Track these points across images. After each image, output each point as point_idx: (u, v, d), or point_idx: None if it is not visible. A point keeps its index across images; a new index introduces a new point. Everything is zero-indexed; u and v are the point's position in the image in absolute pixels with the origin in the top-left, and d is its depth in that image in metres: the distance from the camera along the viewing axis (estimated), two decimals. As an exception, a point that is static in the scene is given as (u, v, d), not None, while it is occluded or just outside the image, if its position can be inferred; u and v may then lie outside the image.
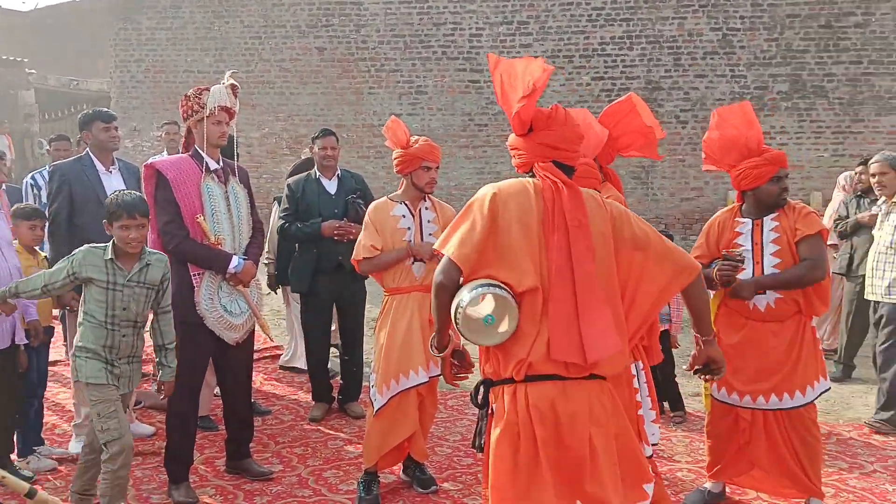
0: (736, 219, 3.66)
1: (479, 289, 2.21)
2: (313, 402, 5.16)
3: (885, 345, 4.92)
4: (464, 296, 2.22)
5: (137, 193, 3.41)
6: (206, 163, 3.72)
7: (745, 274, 3.54)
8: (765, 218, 3.56)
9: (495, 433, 2.24)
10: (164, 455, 3.90)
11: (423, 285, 3.78)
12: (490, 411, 2.31)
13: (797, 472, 3.54)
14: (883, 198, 5.09)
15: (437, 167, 3.86)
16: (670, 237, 5.34)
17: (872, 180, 5.15)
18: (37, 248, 4.46)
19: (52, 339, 4.56)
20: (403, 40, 12.30)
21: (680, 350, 5.58)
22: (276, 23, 12.57)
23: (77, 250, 3.34)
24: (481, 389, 2.34)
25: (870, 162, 5.32)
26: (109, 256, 3.29)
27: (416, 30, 12.26)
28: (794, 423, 3.53)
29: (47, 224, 4.41)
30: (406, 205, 3.89)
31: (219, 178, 3.77)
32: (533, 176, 2.42)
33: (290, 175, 5.31)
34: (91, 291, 3.30)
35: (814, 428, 3.57)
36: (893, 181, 4.94)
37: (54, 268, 3.39)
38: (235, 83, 3.78)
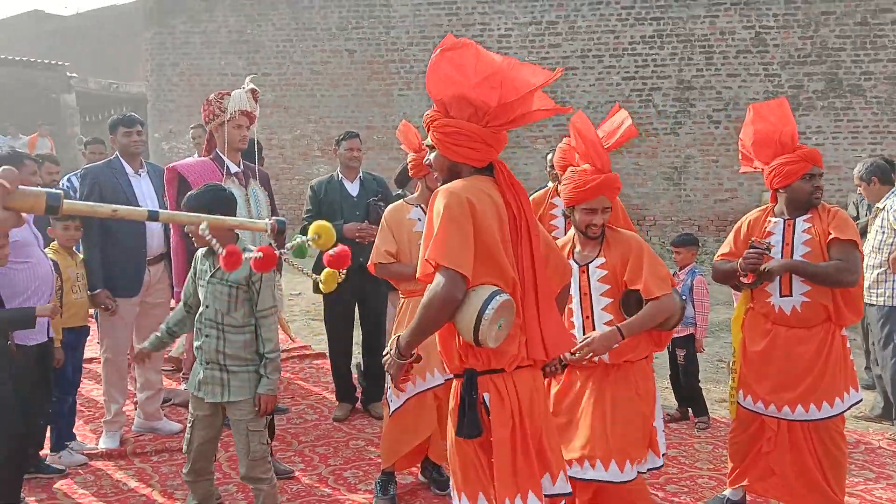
0: (768, 218, 3.60)
1: (498, 297, 2.25)
2: (337, 402, 5.23)
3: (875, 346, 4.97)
4: (482, 306, 2.23)
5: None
6: (227, 166, 3.80)
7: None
8: (797, 218, 3.49)
9: (500, 418, 2.32)
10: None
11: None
12: (481, 399, 2.35)
13: (820, 483, 3.46)
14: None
15: None
16: (697, 242, 5.32)
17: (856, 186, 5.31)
18: (73, 248, 4.57)
19: (88, 338, 4.69)
20: (433, 41, 12.33)
21: (704, 355, 5.53)
22: (306, 26, 12.71)
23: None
24: (465, 379, 2.37)
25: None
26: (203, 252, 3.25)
27: (444, 31, 12.25)
28: (821, 434, 3.45)
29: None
30: (422, 208, 3.91)
31: (239, 180, 3.85)
32: (484, 173, 2.39)
33: (398, 177, 5.31)
34: None
35: (840, 440, 3.49)
36: (867, 189, 5.08)
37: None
38: (256, 88, 3.84)
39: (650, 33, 11.68)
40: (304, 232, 5.06)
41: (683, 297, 5.06)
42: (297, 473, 4.17)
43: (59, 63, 19.01)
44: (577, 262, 3.12)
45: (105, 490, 3.96)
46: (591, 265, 3.10)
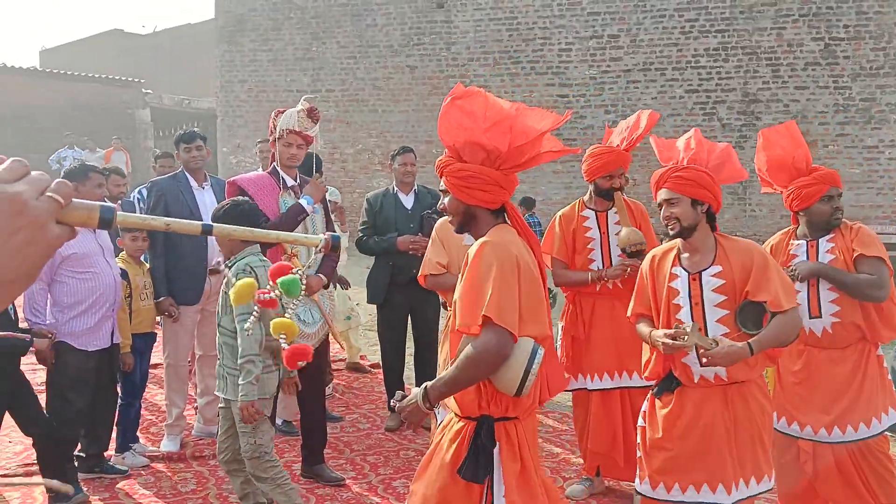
0: (791, 241, 3.56)
1: (539, 351, 2.30)
2: (389, 413, 5.30)
3: None
4: (528, 362, 2.27)
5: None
6: (284, 179, 3.93)
7: (800, 297, 3.39)
8: (820, 239, 3.46)
9: (514, 466, 2.35)
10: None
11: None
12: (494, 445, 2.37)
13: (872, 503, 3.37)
14: None
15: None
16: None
17: None
18: (141, 258, 4.77)
19: (155, 344, 4.89)
20: (493, 56, 12.42)
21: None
22: (369, 43, 12.96)
23: None
24: (484, 427, 2.36)
25: None
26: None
27: (505, 46, 12.36)
28: (865, 455, 3.36)
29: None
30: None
31: (296, 193, 3.97)
32: (498, 214, 2.43)
33: None
34: None
35: (886, 460, 3.39)
36: None
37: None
38: (314, 107, 3.95)
39: (714, 46, 11.50)
40: (358, 244, 5.20)
41: None
42: (347, 481, 4.24)
43: (136, 80, 19.87)
44: (686, 270, 2.95)
45: (164, 491, 4.11)
46: (704, 273, 2.90)
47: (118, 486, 4.16)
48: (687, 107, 11.65)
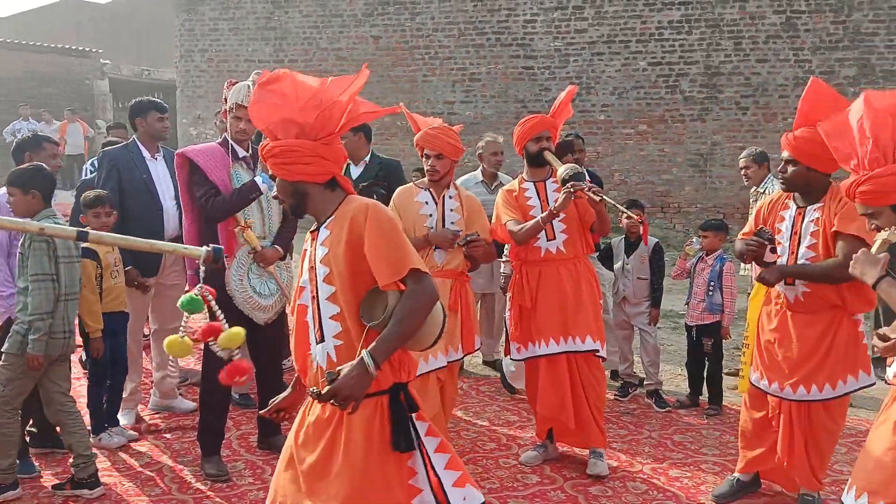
0: (786, 201, 3.57)
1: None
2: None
3: None
4: (442, 307, 2.34)
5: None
6: (235, 150, 3.87)
7: (780, 262, 3.49)
8: (808, 207, 3.44)
9: (427, 424, 2.34)
10: (197, 429, 4.09)
11: (444, 271, 3.85)
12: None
13: (806, 466, 3.48)
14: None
15: (441, 155, 3.84)
16: (726, 227, 5.33)
17: (741, 172, 5.59)
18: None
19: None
20: (458, 27, 12.32)
21: (727, 342, 5.48)
22: (333, 12, 12.77)
23: None
24: (401, 393, 2.29)
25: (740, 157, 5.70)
26: None
27: (470, 17, 12.26)
28: (815, 414, 3.46)
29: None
30: (430, 192, 3.95)
31: (247, 164, 3.91)
32: (333, 188, 2.38)
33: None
34: None
35: (832, 423, 3.48)
36: (757, 173, 5.41)
37: None
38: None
39: (678, 18, 11.53)
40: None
41: (711, 284, 5.03)
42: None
43: (93, 50, 19.37)
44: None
45: (118, 465, 4.08)
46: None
47: (70, 461, 4.12)
48: (650, 79, 11.70)
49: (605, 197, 3.79)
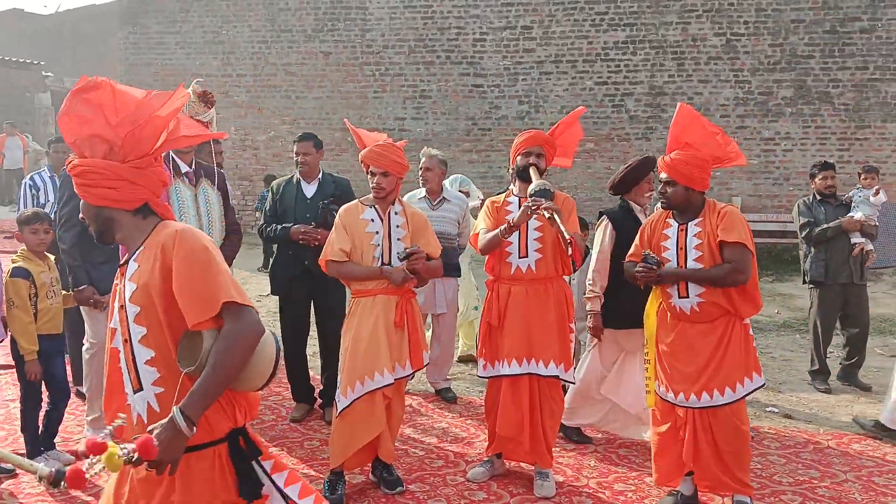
0: (667, 220, 3.76)
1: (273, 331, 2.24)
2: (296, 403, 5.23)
3: None
4: (275, 339, 2.16)
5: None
6: (177, 164, 3.81)
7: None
8: (689, 223, 3.65)
9: (273, 460, 2.18)
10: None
11: (389, 289, 3.83)
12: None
13: (716, 470, 3.59)
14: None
15: (387, 173, 3.84)
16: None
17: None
18: (44, 252, 4.42)
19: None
20: (408, 45, 12.38)
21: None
22: (282, 27, 12.70)
23: None
24: (239, 438, 2.10)
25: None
26: None
27: (420, 34, 12.34)
28: (719, 420, 3.58)
29: (59, 227, 4.42)
30: (376, 209, 3.93)
31: (189, 180, 3.86)
32: (145, 216, 2.11)
33: (616, 186, 5.32)
34: None
35: (740, 424, 3.60)
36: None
37: None
38: (206, 90, 3.83)
39: (623, 39, 11.79)
40: (259, 232, 5.05)
41: None
42: (248, 473, 4.15)
43: (35, 62, 18.88)
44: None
45: (53, 489, 3.93)
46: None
47: (2, 485, 3.96)
48: (597, 98, 11.92)
49: (555, 216, 3.80)
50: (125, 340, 2.05)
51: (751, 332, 3.69)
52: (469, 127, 12.30)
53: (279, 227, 4.91)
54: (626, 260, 3.90)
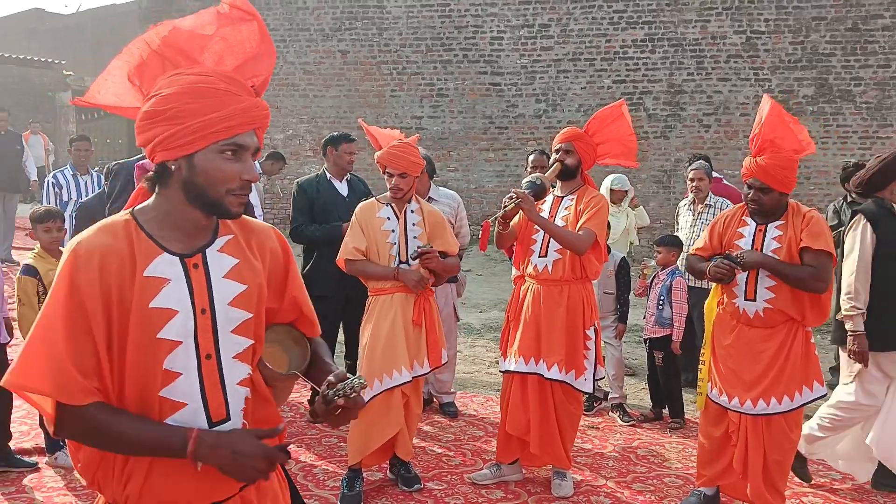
0: (743, 217, 3.60)
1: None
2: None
3: None
4: None
5: None
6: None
7: (739, 278, 3.51)
8: (769, 224, 3.50)
9: None
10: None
11: (406, 287, 3.84)
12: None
13: (760, 480, 3.50)
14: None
15: (405, 174, 3.83)
16: (681, 243, 5.35)
17: (690, 185, 5.79)
18: (59, 249, 4.43)
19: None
20: (425, 43, 12.38)
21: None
22: (300, 26, 12.75)
23: None
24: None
25: (689, 168, 5.92)
26: None
27: (437, 33, 12.33)
28: (772, 428, 3.48)
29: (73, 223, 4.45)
30: (392, 207, 3.94)
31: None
32: None
33: None
34: None
35: (791, 435, 3.52)
36: (707, 187, 5.74)
37: None
38: None
39: (642, 37, 11.72)
40: (294, 233, 5.02)
41: (661, 298, 5.08)
42: (266, 469, 4.18)
43: (56, 61, 19.07)
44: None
45: (74, 483, 3.98)
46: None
47: (25, 480, 4.01)
48: (615, 97, 11.83)
49: (505, 207, 3.80)
50: (206, 357, 1.59)
51: (812, 339, 3.56)
52: (486, 125, 12.28)
53: (325, 226, 4.84)
54: (692, 252, 3.80)
